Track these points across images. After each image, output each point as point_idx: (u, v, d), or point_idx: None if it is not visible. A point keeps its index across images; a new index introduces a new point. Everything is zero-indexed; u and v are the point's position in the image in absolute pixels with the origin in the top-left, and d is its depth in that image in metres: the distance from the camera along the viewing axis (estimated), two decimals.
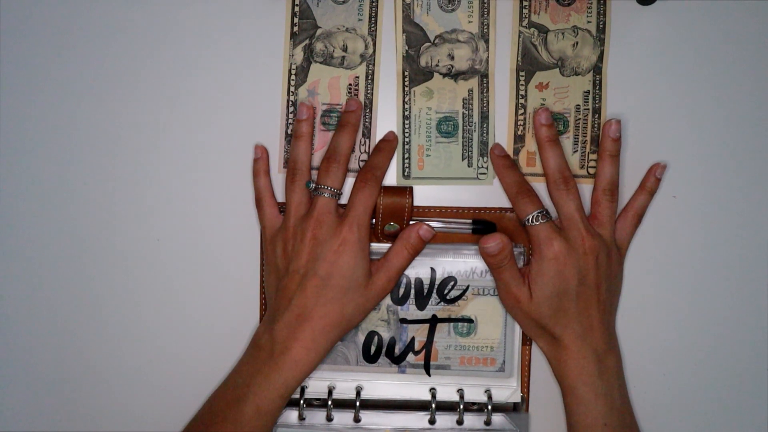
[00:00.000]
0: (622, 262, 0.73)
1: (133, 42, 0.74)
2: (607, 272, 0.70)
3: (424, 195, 0.75)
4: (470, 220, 0.74)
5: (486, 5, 0.73)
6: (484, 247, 0.69)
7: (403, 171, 0.74)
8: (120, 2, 0.74)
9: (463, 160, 0.74)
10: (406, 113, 0.74)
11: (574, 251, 0.69)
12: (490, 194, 0.74)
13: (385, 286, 0.70)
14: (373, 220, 0.73)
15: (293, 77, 0.73)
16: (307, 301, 0.68)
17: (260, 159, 0.73)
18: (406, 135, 0.74)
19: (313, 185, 0.70)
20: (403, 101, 0.74)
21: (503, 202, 0.74)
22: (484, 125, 0.74)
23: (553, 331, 0.70)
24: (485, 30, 0.73)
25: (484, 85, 0.73)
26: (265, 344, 0.69)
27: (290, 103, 0.74)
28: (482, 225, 0.73)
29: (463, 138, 0.74)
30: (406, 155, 0.74)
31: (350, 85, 0.74)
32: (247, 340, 0.72)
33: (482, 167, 0.74)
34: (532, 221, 0.70)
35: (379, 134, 0.74)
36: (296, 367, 0.68)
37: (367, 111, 0.74)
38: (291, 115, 0.74)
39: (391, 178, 0.74)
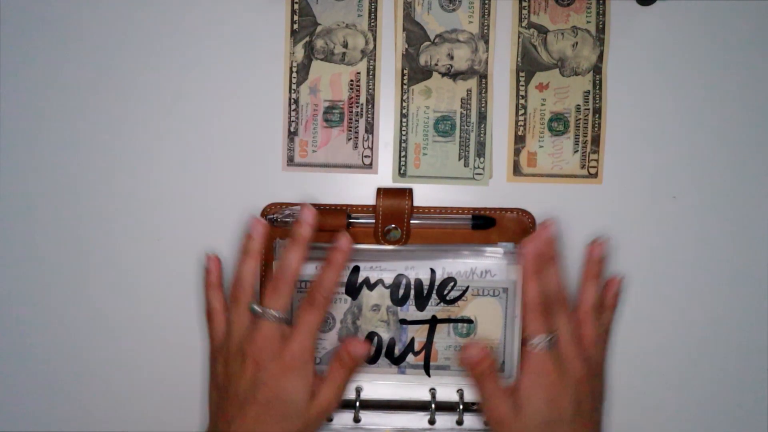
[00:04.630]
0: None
1: (132, 41, 0.73)
2: (600, 395, 0.69)
3: (422, 195, 0.75)
4: (470, 215, 0.74)
5: (487, 6, 0.73)
6: (466, 355, 0.66)
7: (399, 169, 0.74)
8: (120, 1, 0.73)
9: (459, 160, 0.74)
10: (404, 111, 0.74)
11: (570, 380, 0.66)
12: (487, 195, 0.74)
13: (327, 407, 0.67)
14: (372, 221, 0.73)
15: (294, 75, 0.73)
16: (246, 428, 0.65)
17: (211, 272, 0.71)
18: (404, 133, 0.74)
19: (258, 309, 0.66)
20: (401, 99, 0.73)
21: (501, 202, 0.74)
22: (482, 126, 0.74)
23: None
24: (485, 31, 0.73)
25: (483, 85, 0.73)
26: None
27: (292, 101, 0.73)
28: (482, 220, 0.73)
29: (460, 138, 0.74)
30: (403, 153, 0.74)
31: (351, 81, 0.73)
32: None
33: (478, 168, 0.74)
34: (535, 345, 0.66)
35: (381, 130, 0.74)
36: None
37: (370, 107, 0.73)
38: (293, 113, 0.73)
39: (387, 176, 0.74)
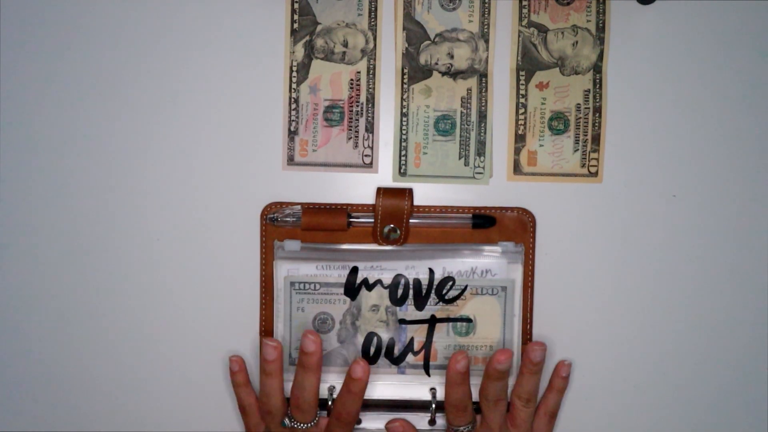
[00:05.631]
0: None
1: (132, 40, 0.73)
2: None
3: (423, 194, 0.74)
4: (470, 215, 0.73)
5: (487, 5, 0.73)
6: (388, 427, 0.72)
7: (400, 168, 0.74)
8: (119, 1, 0.73)
9: (459, 158, 0.74)
10: (404, 110, 0.74)
11: None
12: (487, 194, 0.74)
13: None
14: (373, 221, 0.73)
15: (294, 74, 0.73)
16: None
17: (238, 372, 0.73)
18: (404, 132, 0.74)
19: (288, 424, 0.71)
20: (402, 98, 0.73)
21: (501, 201, 0.74)
22: (482, 125, 0.73)
23: None
24: (485, 30, 0.73)
25: (483, 84, 0.73)
26: None
27: (292, 100, 0.73)
28: (483, 219, 0.73)
29: (460, 137, 0.74)
30: (403, 152, 0.74)
31: (352, 80, 0.73)
32: (246, 343, 0.73)
33: (479, 167, 0.74)
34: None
35: (382, 129, 0.74)
36: None
37: (370, 106, 0.73)
38: (293, 113, 0.73)
39: (387, 175, 0.74)
